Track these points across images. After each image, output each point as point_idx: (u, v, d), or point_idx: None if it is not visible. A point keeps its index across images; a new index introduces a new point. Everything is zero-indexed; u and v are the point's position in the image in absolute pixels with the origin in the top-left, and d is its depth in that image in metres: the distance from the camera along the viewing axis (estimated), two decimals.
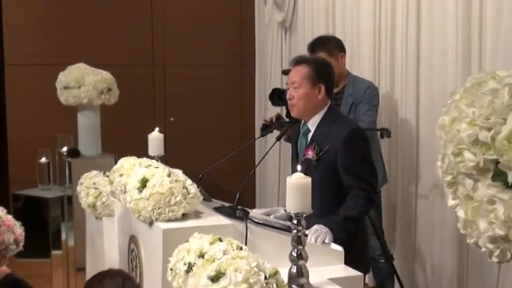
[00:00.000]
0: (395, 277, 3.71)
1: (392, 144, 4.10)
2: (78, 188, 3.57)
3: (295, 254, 1.98)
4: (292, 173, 1.96)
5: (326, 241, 2.44)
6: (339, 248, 2.43)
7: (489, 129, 1.27)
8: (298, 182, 1.92)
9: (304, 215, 1.94)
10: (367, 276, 3.15)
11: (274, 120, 3.68)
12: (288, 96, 2.85)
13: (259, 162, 3.46)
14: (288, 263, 1.99)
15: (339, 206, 2.66)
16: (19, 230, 2.39)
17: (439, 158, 1.41)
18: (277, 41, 5.75)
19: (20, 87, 5.51)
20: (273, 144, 3.05)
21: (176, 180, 2.27)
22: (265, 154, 3.22)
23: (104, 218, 3.34)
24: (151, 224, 2.27)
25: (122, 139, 5.10)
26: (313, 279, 2.05)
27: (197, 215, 2.34)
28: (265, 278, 1.70)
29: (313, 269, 2.07)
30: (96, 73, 4.53)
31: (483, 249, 1.33)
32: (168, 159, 3.07)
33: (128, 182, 2.38)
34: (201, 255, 1.80)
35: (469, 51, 3.41)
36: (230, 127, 6.11)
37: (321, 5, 4.91)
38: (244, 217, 2.31)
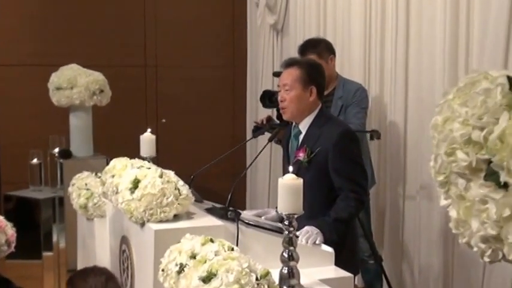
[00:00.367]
0: (383, 278, 3.74)
1: (381, 146, 4.12)
2: (70, 189, 3.57)
3: (286, 255, 1.98)
4: (284, 174, 1.96)
5: (317, 242, 2.44)
6: (329, 249, 2.44)
7: (482, 129, 1.27)
8: (290, 183, 1.92)
9: (296, 216, 1.94)
10: (356, 277, 3.16)
11: (265, 122, 3.70)
12: (279, 98, 2.85)
13: (251, 164, 3.47)
14: (279, 264, 1.99)
15: (330, 208, 2.67)
16: (11, 231, 2.39)
17: (431, 158, 1.41)
18: (268, 43, 5.77)
19: (12, 88, 5.49)
20: (265, 146, 3.05)
21: (168, 181, 2.27)
22: (257, 156, 3.22)
23: (95, 219, 3.34)
24: (143, 224, 2.27)
25: (114, 140, 5.09)
26: (303, 280, 2.06)
27: (189, 216, 2.34)
28: (257, 278, 1.70)
29: (304, 270, 2.08)
30: (89, 74, 4.52)
31: (475, 249, 1.32)
32: (160, 160, 3.08)
33: (120, 182, 2.38)
34: (193, 256, 1.80)
35: (456, 56, 3.45)
36: (222, 128, 6.11)
37: (313, 8, 4.94)
38: (236, 218, 2.31)
